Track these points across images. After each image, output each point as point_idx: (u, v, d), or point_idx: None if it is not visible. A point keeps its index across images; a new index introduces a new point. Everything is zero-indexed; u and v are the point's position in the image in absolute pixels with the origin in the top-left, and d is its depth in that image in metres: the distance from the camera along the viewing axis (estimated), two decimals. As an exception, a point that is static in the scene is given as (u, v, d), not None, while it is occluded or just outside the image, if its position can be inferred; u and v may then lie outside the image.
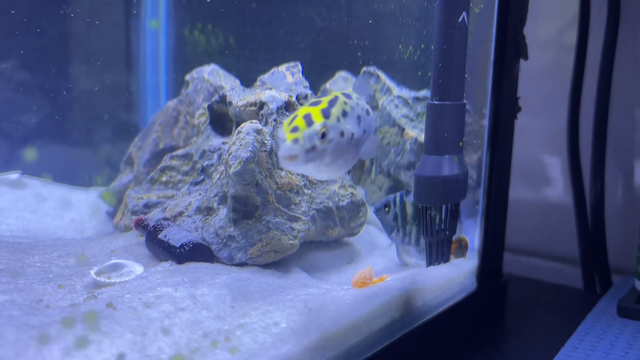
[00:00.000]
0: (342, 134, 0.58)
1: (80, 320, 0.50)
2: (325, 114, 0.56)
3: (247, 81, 0.93)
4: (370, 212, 0.89)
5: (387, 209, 0.83)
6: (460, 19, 0.72)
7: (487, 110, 0.81)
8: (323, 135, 0.55)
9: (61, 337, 0.48)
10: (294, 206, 0.75)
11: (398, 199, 0.83)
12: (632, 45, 1.05)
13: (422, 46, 0.86)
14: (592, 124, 1.06)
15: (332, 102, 0.59)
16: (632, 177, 1.08)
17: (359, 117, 0.61)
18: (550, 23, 1.13)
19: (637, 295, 0.87)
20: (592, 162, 1.06)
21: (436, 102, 0.73)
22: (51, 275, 0.66)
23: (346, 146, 0.59)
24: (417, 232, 0.82)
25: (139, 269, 0.67)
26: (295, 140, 0.54)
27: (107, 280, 0.64)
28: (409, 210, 0.82)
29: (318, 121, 0.55)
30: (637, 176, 1.07)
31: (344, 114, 0.59)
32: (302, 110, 0.57)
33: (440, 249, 0.78)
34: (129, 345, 0.49)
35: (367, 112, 0.63)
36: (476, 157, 0.88)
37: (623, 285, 0.97)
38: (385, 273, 0.80)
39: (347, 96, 0.61)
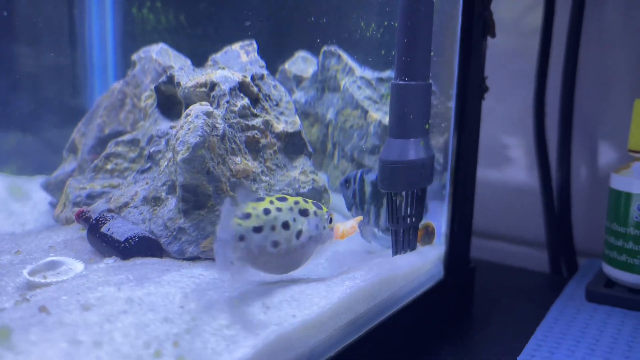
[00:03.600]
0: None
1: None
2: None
3: (200, 61, 0.87)
4: (333, 198, 0.85)
5: (347, 184, 0.81)
6: (425, -7, 0.68)
7: (453, 91, 0.77)
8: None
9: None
10: (250, 194, 0.69)
11: (358, 176, 0.80)
12: (598, 27, 1.03)
13: (386, 23, 0.81)
14: (558, 105, 1.04)
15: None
16: (598, 159, 1.06)
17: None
18: (516, 3, 1.10)
19: (605, 279, 0.85)
20: (559, 144, 1.05)
21: (401, 83, 0.69)
22: (-21, 276, 0.60)
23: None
24: (376, 212, 0.79)
25: (78, 266, 0.61)
26: None
27: (42, 281, 0.57)
28: (368, 189, 0.79)
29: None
30: (603, 157, 1.06)
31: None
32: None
33: (406, 236, 0.74)
34: (61, 356, 0.44)
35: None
36: (442, 139, 0.84)
37: (589, 268, 0.96)
38: (350, 259, 0.77)
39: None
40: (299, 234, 0.60)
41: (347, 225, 0.68)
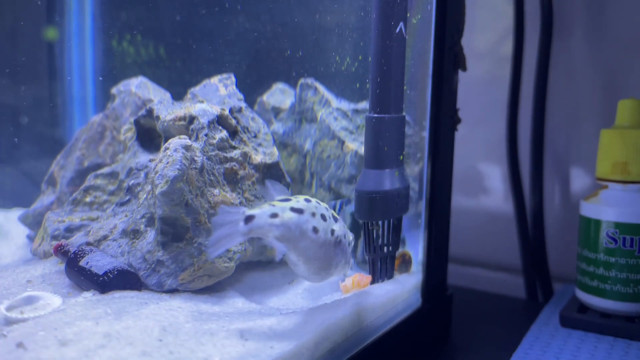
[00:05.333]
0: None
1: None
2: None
3: (179, 93, 0.88)
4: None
5: None
6: (397, 29, 0.70)
7: (427, 122, 0.79)
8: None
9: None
10: (229, 226, 0.70)
11: (338, 205, 0.81)
12: (566, 59, 1.07)
13: (360, 57, 0.84)
14: (530, 133, 1.07)
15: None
16: (569, 185, 1.09)
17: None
18: (487, 34, 1.14)
19: (578, 305, 0.87)
20: (531, 171, 1.07)
21: (375, 116, 0.71)
22: (-45, 312, 0.59)
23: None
24: (354, 243, 0.80)
25: (56, 301, 0.61)
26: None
27: (20, 316, 0.57)
28: (347, 219, 0.80)
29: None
30: (574, 184, 1.09)
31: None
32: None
33: (383, 265, 0.75)
34: (38, 393, 0.44)
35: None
36: (417, 168, 0.86)
37: (564, 293, 0.98)
38: (328, 289, 0.77)
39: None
40: (332, 231, 0.62)
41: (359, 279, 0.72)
